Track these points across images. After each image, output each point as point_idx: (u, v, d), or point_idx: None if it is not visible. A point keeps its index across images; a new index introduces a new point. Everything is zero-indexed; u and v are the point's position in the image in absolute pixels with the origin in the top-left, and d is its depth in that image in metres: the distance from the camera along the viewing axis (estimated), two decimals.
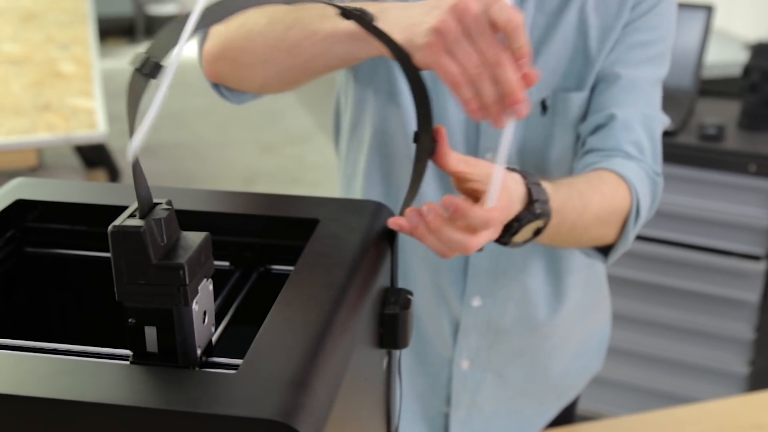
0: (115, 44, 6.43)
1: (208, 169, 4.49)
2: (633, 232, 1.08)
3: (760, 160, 2.15)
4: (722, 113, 2.36)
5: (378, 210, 0.85)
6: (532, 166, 1.16)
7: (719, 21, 2.71)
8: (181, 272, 0.62)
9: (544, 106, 1.13)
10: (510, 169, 0.91)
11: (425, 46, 0.79)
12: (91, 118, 2.43)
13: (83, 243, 0.88)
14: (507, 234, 0.90)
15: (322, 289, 0.70)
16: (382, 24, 0.83)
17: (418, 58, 0.80)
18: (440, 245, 0.82)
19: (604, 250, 1.11)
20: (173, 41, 0.66)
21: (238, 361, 0.66)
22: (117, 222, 0.62)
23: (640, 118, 1.12)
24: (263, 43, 0.97)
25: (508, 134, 0.80)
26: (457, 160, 0.85)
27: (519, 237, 0.92)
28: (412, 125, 1.15)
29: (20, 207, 0.87)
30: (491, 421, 1.28)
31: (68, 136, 2.32)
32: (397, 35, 0.82)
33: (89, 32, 3.39)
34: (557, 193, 0.95)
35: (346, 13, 0.81)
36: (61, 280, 0.90)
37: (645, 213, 1.09)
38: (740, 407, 1.36)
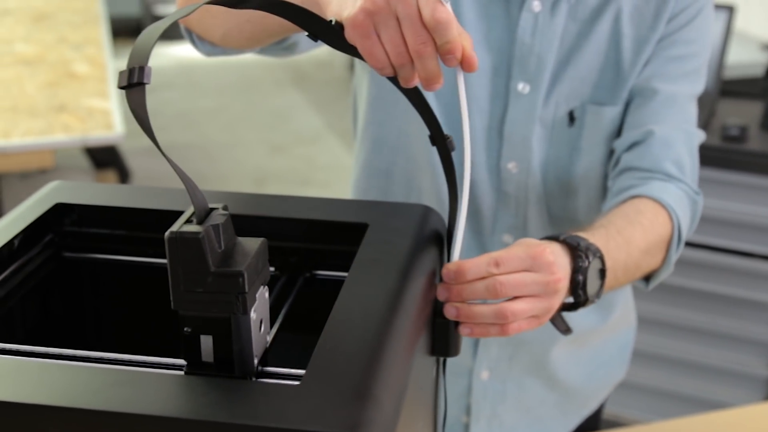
0: (123, 44, 6.40)
1: (217, 170, 4.47)
2: (675, 256, 1.05)
3: None
4: (744, 114, 2.34)
5: (426, 214, 0.83)
6: (555, 180, 1.13)
7: (736, 21, 2.69)
8: (241, 280, 0.60)
9: (571, 117, 1.11)
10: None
11: (352, 23, 0.73)
12: (108, 119, 2.41)
13: (123, 248, 0.86)
14: (577, 289, 0.87)
15: (378, 297, 0.68)
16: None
17: (346, 33, 0.74)
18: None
19: (645, 276, 1.08)
20: (147, 45, 0.63)
21: (296, 371, 0.64)
22: (174, 228, 0.60)
23: (682, 135, 1.09)
24: None
25: (461, 89, 0.76)
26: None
27: (591, 287, 0.88)
28: (427, 155, 1.13)
29: (58, 211, 0.85)
30: None
31: (85, 137, 2.30)
32: (332, 8, 0.77)
33: (102, 32, 3.37)
34: (594, 237, 0.92)
35: None
36: (100, 284, 0.88)
37: (685, 235, 1.06)
38: None
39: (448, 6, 0.71)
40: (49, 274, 0.85)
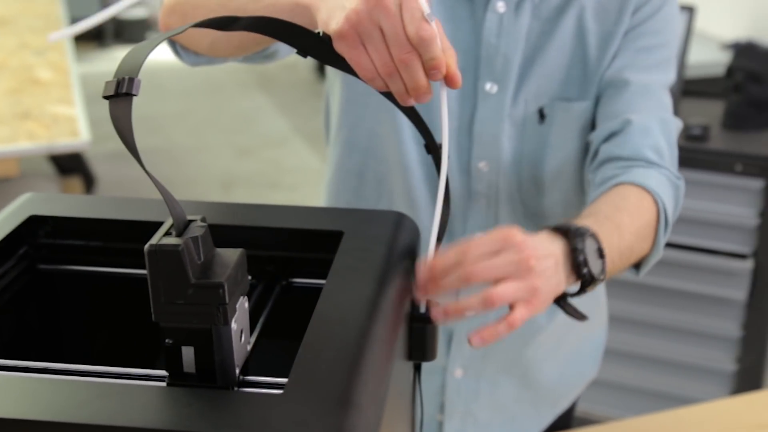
0: (84, 48, 6.36)
1: (184, 175, 4.45)
2: (663, 240, 1.06)
3: (746, 160, 2.16)
4: (705, 113, 2.38)
5: (400, 221, 0.84)
6: (527, 177, 1.15)
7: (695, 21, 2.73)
8: (221, 291, 0.61)
9: (541, 115, 1.12)
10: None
11: (338, 34, 0.75)
12: (73, 126, 2.40)
13: (98, 259, 0.86)
14: (581, 270, 0.88)
15: (357, 304, 0.69)
16: (322, 4, 0.79)
17: (334, 45, 0.76)
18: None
19: (635, 264, 1.08)
20: (138, 58, 0.64)
21: (278, 380, 0.65)
22: (153, 240, 0.61)
23: (658, 123, 1.10)
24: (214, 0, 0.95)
25: (444, 111, 0.78)
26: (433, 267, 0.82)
27: (593, 267, 0.89)
28: (405, 130, 1.14)
29: (32, 223, 0.85)
30: (486, 430, 1.27)
31: (50, 145, 2.29)
32: (321, 16, 0.78)
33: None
34: (583, 223, 0.92)
35: None
36: (75, 296, 0.88)
37: (671, 220, 1.08)
38: (744, 406, 1.37)
39: (433, 24, 0.72)
40: (24, 286, 0.85)
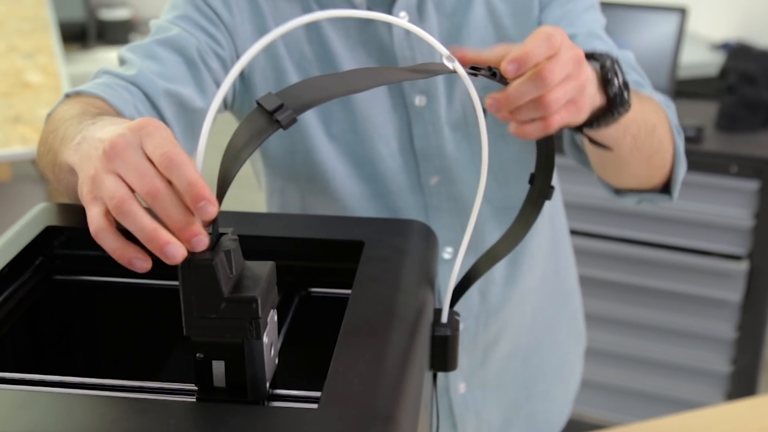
0: (68, 50, 6.30)
1: None
2: (682, 148, 1.03)
3: (741, 161, 2.18)
4: (699, 114, 2.39)
5: (421, 230, 0.84)
6: (488, 174, 1.11)
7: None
8: (254, 305, 0.60)
9: (484, 108, 1.10)
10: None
11: (87, 202, 0.65)
12: None
13: (113, 269, 0.85)
14: (610, 83, 0.83)
15: (384, 315, 0.68)
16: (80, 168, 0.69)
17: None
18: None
19: (665, 190, 1.06)
20: (312, 100, 0.62)
21: (308, 393, 0.65)
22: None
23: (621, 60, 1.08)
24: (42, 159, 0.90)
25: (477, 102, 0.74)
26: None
27: (623, 86, 0.84)
28: (338, 183, 1.10)
29: (47, 233, 0.84)
30: None
31: None
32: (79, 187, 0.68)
33: (53, 40, 3.31)
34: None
35: (476, 69, 0.75)
36: (91, 307, 0.88)
37: (679, 130, 1.04)
38: (747, 411, 1.37)
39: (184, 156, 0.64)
40: (40, 297, 0.84)
